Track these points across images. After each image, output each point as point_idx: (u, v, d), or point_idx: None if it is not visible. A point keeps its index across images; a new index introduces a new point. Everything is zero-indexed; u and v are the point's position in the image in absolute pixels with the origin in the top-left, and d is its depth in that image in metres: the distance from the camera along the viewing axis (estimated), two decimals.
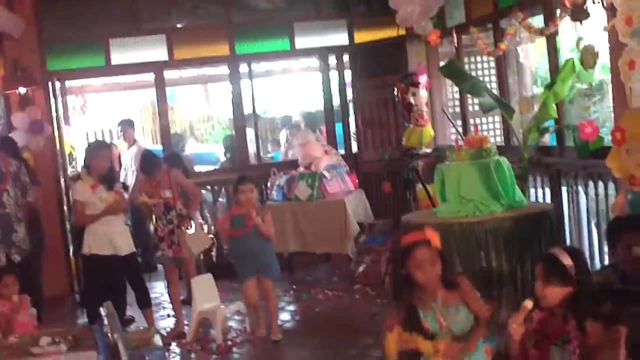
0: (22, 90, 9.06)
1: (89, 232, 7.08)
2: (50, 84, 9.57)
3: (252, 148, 10.67)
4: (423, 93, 8.36)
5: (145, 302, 7.38)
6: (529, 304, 3.87)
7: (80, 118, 13.34)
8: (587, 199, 6.65)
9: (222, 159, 12.12)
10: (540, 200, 7.13)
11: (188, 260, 7.55)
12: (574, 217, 6.77)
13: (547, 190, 7.12)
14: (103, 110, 15.33)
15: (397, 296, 4.16)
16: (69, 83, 11.79)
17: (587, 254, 6.58)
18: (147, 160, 7.62)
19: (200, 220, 7.96)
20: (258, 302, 7.06)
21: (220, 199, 10.38)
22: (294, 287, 8.79)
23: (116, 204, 7.10)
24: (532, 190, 7.23)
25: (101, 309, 6.43)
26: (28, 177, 7.14)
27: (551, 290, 3.84)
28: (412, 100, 8.30)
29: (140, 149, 10.03)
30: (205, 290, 7.13)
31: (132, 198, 8.09)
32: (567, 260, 3.85)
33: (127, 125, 10.74)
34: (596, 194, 6.39)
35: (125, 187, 8.38)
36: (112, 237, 7.04)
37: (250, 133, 10.54)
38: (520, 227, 5.81)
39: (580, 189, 6.66)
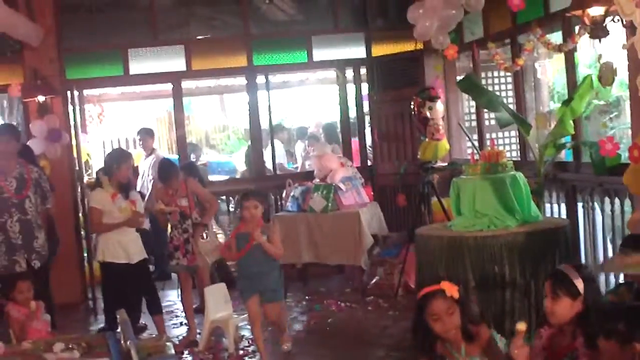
0: (40, 98, 9.14)
1: (103, 239, 7.12)
2: (68, 92, 9.64)
3: (280, 158, 10.73)
4: (439, 107, 8.35)
5: (156, 309, 7.41)
6: (522, 325, 3.83)
7: (98, 127, 13.42)
8: (602, 215, 6.64)
9: (240, 168, 12.17)
10: (556, 215, 7.11)
11: (202, 269, 7.58)
12: (589, 233, 6.76)
13: (563, 206, 7.11)
14: (120, 119, 15.41)
15: (422, 348, 4.09)
16: (87, 92, 11.89)
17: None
18: (164, 168, 7.66)
19: (216, 229, 7.96)
20: (263, 320, 6.67)
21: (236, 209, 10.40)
22: (307, 297, 8.80)
23: (134, 217, 7.16)
24: (548, 206, 7.22)
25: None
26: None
27: (560, 307, 3.84)
28: (428, 114, 8.30)
29: (158, 157, 10.07)
30: (218, 299, 7.16)
31: (149, 206, 8.14)
32: (575, 277, 3.85)
33: (146, 134, 10.80)
34: (612, 210, 6.38)
35: (142, 195, 8.45)
36: (126, 245, 7.09)
37: (277, 145, 10.61)
38: (535, 242, 5.79)
39: (596, 205, 6.65)
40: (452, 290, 3.99)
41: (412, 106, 8.53)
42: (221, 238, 8.29)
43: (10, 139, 6.88)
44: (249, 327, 7.49)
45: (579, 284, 3.84)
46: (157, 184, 8.27)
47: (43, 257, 6.97)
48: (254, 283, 6.45)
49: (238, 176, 12.84)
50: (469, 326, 4.02)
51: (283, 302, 7.02)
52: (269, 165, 10.62)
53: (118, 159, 7.31)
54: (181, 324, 8.13)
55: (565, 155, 8.18)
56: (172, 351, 5.11)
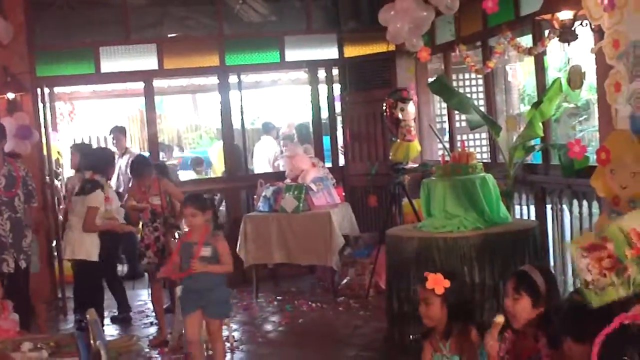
0: (10, 95, 9.05)
1: (79, 238, 7.16)
2: (39, 90, 9.57)
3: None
4: (411, 108, 8.39)
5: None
6: (500, 318, 3.92)
7: (69, 125, 13.33)
8: (571, 217, 6.71)
9: (214, 162, 12.15)
10: (525, 217, 7.18)
11: None
12: (557, 234, 6.83)
13: (532, 208, 7.18)
14: (92, 117, 15.32)
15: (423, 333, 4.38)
16: (58, 89, 11.82)
17: (570, 272, 6.65)
18: (138, 164, 7.65)
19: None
20: (201, 340, 6.12)
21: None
22: (278, 297, 8.81)
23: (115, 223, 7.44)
24: (517, 208, 7.28)
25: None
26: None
27: (520, 307, 3.88)
28: (400, 115, 8.34)
29: (132, 155, 9.99)
30: None
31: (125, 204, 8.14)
32: (537, 277, 3.90)
33: (119, 133, 10.72)
34: (580, 213, 6.44)
35: (119, 194, 8.43)
36: (85, 242, 7.22)
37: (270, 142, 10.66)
38: (505, 243, 5.84)
39: (565, 207, 6.71)
40: (434, 283, 4.17)
41: (384, 107, 8.57)
42: None
43: None
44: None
45: (541, 285, 3.88)
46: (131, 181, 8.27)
47: (29, 257, 6.84)
48: (196, 299, 5.86)
49: (212, 172, 12.79)
50: (450, 324, 4.12)
51: (225, 320, 6.57)
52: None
53: (110, 161, 7.40)
54: (151, 323, 8.10)
55: (533, 157, 8.27)
56: (143, 351, 5.14)
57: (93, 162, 7.66)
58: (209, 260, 5.78)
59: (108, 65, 9.85)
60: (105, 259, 7.70)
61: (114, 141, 10.79)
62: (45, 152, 9.41)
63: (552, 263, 6.88)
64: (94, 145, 13.68)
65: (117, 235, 7.88)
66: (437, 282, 4.18)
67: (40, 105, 9.59)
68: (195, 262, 5.70)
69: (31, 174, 7.01)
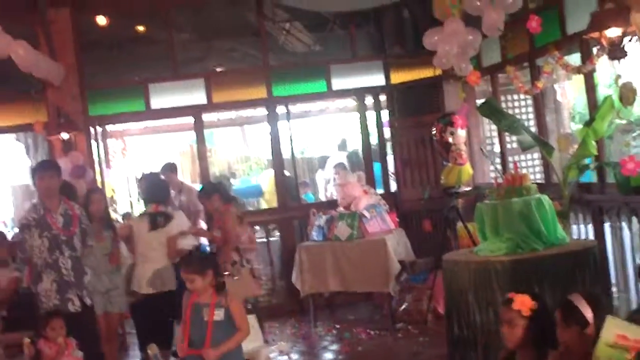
0: (64, 135, 9.24)
1: (163, 268, 7.36)
2: (91, 129, 9.76)
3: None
4: (461, 132, 8.36)
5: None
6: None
7: (121, 161, 13.52)
8: (631, 234, 6.61)
9: (265, 189, 12.21)
10: (583, 237, 7.09)
11: None
12: (617, 253, 6.74)
13: (590, 227, 7.09)
14: (143, 153, 15.52)
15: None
16: (109, 127, 12.01)
17: (632, 291, 6.55)
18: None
19: (250, 266, 7.90)
20: None
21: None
22: (336, 326, 8.79)
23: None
24: (575, 227, 7.20)
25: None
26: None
27: (569, 336, 3.88)
28: (450, 139, 8.32)
29: (189, 190, 9.96)
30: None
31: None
32: (584, 307, 3.87)
33: (170, 171, 9.89)
34: None
35: None
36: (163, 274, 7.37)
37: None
38: (564, 264, 5.76)
39: (624, 224, 6.63)
40: (521, 304, 4.11)
41: (433, 132, 8.55)
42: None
43: (54, 175, 6.67)
44: (279, 358, 7.52)
45: (588, 313, 3.85)
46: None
47: (91, 293, 6.81)
48: None
49: (263, 202, 12.81)
50: (532, 348, 4.09)
51: None
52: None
53: (168, 190, 7.91)
54: None
55: (587, 176, 8.18)
56: None
57: (154, 194, 7.74)
58: (223, 327, 5.27)
59: (157, 101, 10.01)
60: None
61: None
62: None
63: (613, 281, 6.79)
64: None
65: None
66: (524, 304, 4.15)
67: (94, 143, 9.77)
68: (209, 353, 5.15)
69: (85, 214, 7.10)
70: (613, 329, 3.61)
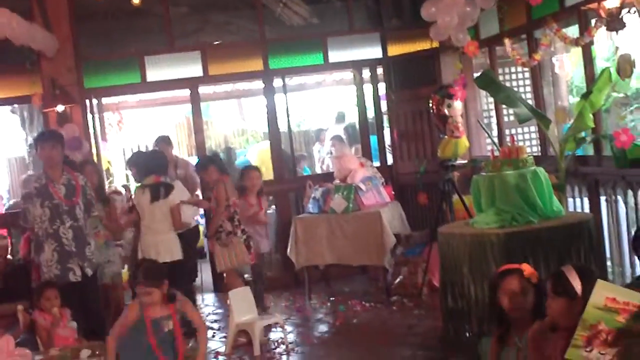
0: (60, 108, 9.19)
1: (169, 238, 7.43)
2: (87, 101, 9.71)
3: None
4: (458, 105, 8.32)
5: None
6: None
7: (117, 134, 13.48)
8: (626, 207, 6.61)
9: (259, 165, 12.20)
10: (579, 210, 7.08)
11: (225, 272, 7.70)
12: (613, 226, 6.74)
13: (586, 200, 7.08)
14: (139, 126, 15.48)
15: (492, 324, 4.45)
16: (105, 100, 11.96)
17: (627, 263, 6.55)
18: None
19: (245, 236, 7.84)
20: None
21: None
22: (331, 298, 8.80)
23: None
24: (570, 200, 7.19)
25: None
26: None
27: (558, 306, 3.88)
28: (447, 111, 8.28)
29: (183, 165, 9.86)
30: (243, 302, 7.19)
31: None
32: (574, 278, 3.88)
33: (164, 143, 9.54)
34: (635, 203, 6.34)
35: None
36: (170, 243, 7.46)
37: None
38: (559, 237, 5.76)
39: (619, 198, 6.61)
40: (531, 273, 4.24)
41: (430, 104, 8.52)
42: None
43: (56, 145, 6.72)
44: (275, 329, 7.54)
45: (577, 285, 3.86)
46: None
47: (94, 264, 6.87)
48: None
49: None
50: (533, 316, 4.14)
51: None
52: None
53: (165, 161, 7.92)
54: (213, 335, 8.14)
55: (584, 149, 8.17)
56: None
57: (152, 166, 7.72)
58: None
59: (154, 73, 9.95)
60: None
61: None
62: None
63: (608, 255, 6.79)
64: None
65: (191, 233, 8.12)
66: (533, 272, 4.25)
67: (90, 116, 9.73)
68: None
69: (89, 184, 7.08)
70: (602, 292, 3.62)
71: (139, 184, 7.60)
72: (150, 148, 9.50)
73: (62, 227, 6.64)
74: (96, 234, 7.32)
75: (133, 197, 7.77)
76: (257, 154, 13.19)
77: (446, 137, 8.36)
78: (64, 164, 6.96)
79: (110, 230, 7.60)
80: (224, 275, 7.99)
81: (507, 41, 7.29)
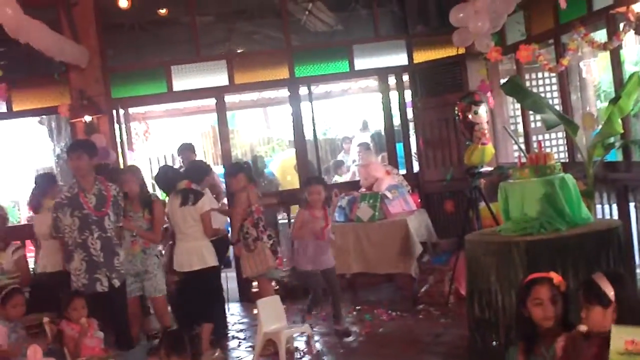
0: (87, 118, 9.26)
1: (202, 245, 7.43)
2: (114, 111, 9.77)
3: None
4: (483, 111, 8.24)
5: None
6: (583, 327, 3.88)
7: (144, 144, 13.55)
8: None
9: (280, 177, 12.22)
10: (608, 217, 6.99)
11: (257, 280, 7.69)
12: None
13: (614, 207, 6.99)
14: (166, 135, 15.54)
15: (519, 334, 4.36)
16: (132, 110, 12.02)
17: None
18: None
19: (265, 240, 7.81)
20: None
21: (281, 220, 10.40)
22: (357, 307, 8.76)
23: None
24: (599, 207, 7.10)
25: None
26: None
27: (593, 315, 3.83)
28: (473, 118, 8.21)
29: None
30: (271, 311, 7.17)
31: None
32: (606, 286, 3.83)
33: (188, 151, 9.72)
34: None
35: None
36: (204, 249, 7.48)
37: None
38: (588, 244, 5.68)
39: None
40: (560, 281, 4.21)
41: (456, 111, 8.45)
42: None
43: (82, 155, 6.71)
44: (301, 339, 7.51)
45: (610, 292, 3.81)
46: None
47: (122, 275, 6.86)
48: None
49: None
50: (562, 326, 4.10)
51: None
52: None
53: (206, 170, 8.15)
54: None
55: (612, 154, 8.07)
56: None
57: (192, 171, 7.83)
58: None
59: (180, 83, 10.00)
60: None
61: (184, 161, 9.76)
62: None
63: (637, 262, 6.70)
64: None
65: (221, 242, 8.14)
66: (561, 281, 4.24)
67: (117, 126, 9.79)
68: None
69: (122, 195, 7.05)
70: (621, 336, 3.61)
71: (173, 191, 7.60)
72: (175, 156, 9.53)
73: (90, 238, 6.66)
74: (133, 243, 7.28)
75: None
76: (279, 164, 13.20)
77: (473, 144, 8.29)
78: (101, 172, 6.99)
79: (147, 238, 7.42)
80: (252, 282, 7.99)
81: (533, 46, 7.16)
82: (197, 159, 9.64)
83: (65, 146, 10.94)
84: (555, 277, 4.24)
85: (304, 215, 7.68)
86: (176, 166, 10.33)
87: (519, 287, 4.50)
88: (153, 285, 7.23)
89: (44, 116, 11.34)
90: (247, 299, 9.36)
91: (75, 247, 6.68)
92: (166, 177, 7.73)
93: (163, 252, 8.06)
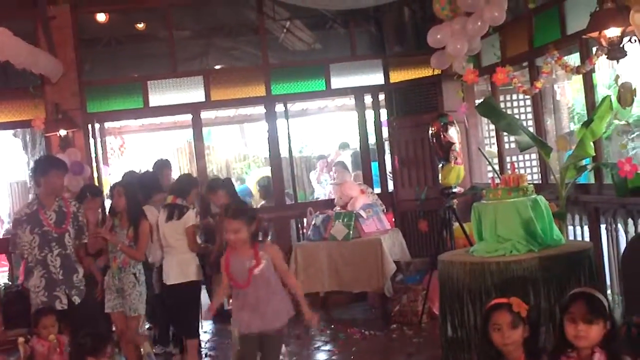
0: (62, 132, 9.21)
1: (187, 259, 7.39)
2: (89, 125, 9.73)
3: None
4: (453, 132, 8.28)
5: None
6: None
7: (119, 158, 13.50)
8: (626, 236, 6.58)
9: (255, 194, 12.16)
10: (579, 238, 7.05)
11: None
12: (613, 255, 6.70)
13: (586, 229, 7.05)
14: (141, 150, 15.50)
15: (484, 358, 4.30)
16: (107, 124, 11.99)
17: None
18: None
19: None
20: None
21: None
22: (331, 326, 8.75)
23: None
24: (571, 229, 7.17)
25: None
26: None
27: (594, 331, 3.82)
28: (450, 138, 8.27)
29: None
30: None
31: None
32: (603, 299, 3.86)
33: (166, 167, 9.40)
34: (636, 232, 6.32)
35: None
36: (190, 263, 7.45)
37: None
38: (559, 266, 5.72)
39: (620, 226, 6.59)
40: (520, 306, 4.16)
41: (432, 131, 8.48)
42: None
43: (64, 174, 6.80)
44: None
45: (607, 305, 3.84)
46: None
47: (82, 292, 6.75)
48: None
49: (253, 200, 12.72)
50: (533, 344, 4.09)
51: None
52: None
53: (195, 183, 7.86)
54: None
55: (585, 177, 8.15)
56: None
57: (178, 186, 7.73)
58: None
59: (156, 98, 9.99)
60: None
61: (160, 177, 9.23)
62: None
63: (608, 283, 6.75)
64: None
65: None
66: (521, 305, 4.20)
67: (92, 140, 9.75)
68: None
69: (82, 210, 7.02)
70: None
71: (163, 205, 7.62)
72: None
73: (50, 255, 6.60)
74: (113, 259, 7.13)
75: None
76: (256, 180, 13.19)
77: (450, 164, 8.33)
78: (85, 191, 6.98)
79: (129, 254, 7.32)
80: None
81: (507, 68, 7.24)
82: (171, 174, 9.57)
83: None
84: (515, 303, 4.21)
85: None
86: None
87: (482, 313, 4.49)
88: (127, 304, 7.15)
89: (18, 129, 11.28)
90: (222, 317, 9.31)
91: (35, 264, 6.62)
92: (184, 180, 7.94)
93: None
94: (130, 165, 14.19)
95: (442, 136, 8.32)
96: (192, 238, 7.41)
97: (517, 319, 4.15)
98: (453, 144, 8.29)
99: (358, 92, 10.42)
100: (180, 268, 7.33)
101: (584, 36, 6.28)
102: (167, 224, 7.39)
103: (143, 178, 8.65)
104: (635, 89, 6.02)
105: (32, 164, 11.16)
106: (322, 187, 12.98)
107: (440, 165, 8.40)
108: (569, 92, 10.46)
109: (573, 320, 3.89)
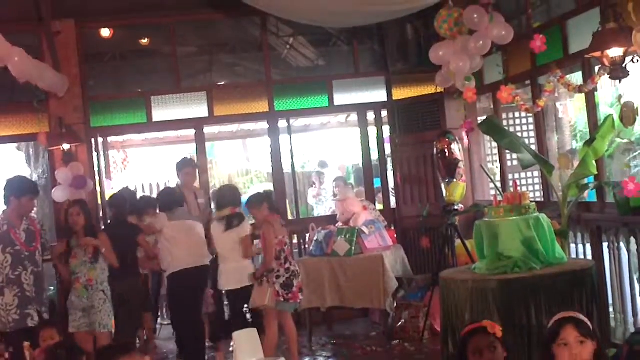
0: (65, 146, 9.23)
1: (243, 265, 7.84)
2: (93, 140, 9.75)
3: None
4: (456, 149, 8.33)
5: None
6: None
7: (122, 172, 13.52)
8: (629, 255, 6.59)
9: None
10: (581, 256, 7.06)
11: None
12: (615, 273, 6.70)
13: (588, 247, 7.06)
14: (144, 165, 15.51)
15: None
16: (111, 138, 12.01)
17: (630, 311, 6.53)
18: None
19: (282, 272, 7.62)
20: None
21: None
22: (332, 341, 8.75)
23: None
24: (573, 247, 7.17)
25: None
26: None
27: (587, 351, 3.84)
28: (457, 155, 8.31)
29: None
30: (246, 344, 7.12)
31: None
32: (588, 321, 3.89)
33: (184, 166, 9.02)
34: (638, 250, 6.33)
35: None
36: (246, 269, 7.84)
37: None
38: (561, 284, 5.73)
39: (622, 245, 6.60)
40: (494, 328, 4.14)
41: (438, 147, 8.48)
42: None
43: (34, 199, 7.05)
44: None
45: (592, 326, 3.87)
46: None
47: (49, 308, 6.99)
48: None
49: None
50: None
51: None
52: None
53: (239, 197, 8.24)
54: None
55: (588, 195, 8.16)
56: None
57: (231, 198, 8.01)
58: None
59: (159, 113, 10.01)
60: None
61: (184, 179, 9.01)
62: (100, 201, 9.56)
63: (610, 302, 6.76)
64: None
65: None
66: (496, 327, 4.17)
67: (95, 154, 9.77)
68: None
69: (46, 228, 7.22)
70: None
71: (217, 218, 7.96)
72: (155, 186, 9.47)
73: (24, 273, 6.71)
74: (76, 280, 7.05)
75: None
76: None
77: (455, 180, 8.34)
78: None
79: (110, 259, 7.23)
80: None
81: (510, 87, 7.26)
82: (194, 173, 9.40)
83: (43, 174, 10.94)
84: (489, 325, 4.18)
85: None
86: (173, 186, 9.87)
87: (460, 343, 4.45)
88: (98, 320, 7.05)
89: (21, 143, 11.30)
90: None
91: (7, 283, 6.68)
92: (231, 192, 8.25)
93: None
94: (133, 179, 14.26)
95: (448, 153, 8.36)
96: (247, 245, 7.79)
97: (495, 340, 4.12)
98: (460, 161, 8.33)
99: (361, 109, 10.46)
100: (235, 275, 7.71)
101: (586, 55, 6.31)
102: (224, 234, 7.75)
103: (135, 198, 8.82)
104: (637, 108, 6.05)
105: (35, 177, 11.20)
106: (322, 203, 12.98)
107: (446, 181, 8.42)
108: (571, 111, 10.47)
109: (566, 346, 3.90)
